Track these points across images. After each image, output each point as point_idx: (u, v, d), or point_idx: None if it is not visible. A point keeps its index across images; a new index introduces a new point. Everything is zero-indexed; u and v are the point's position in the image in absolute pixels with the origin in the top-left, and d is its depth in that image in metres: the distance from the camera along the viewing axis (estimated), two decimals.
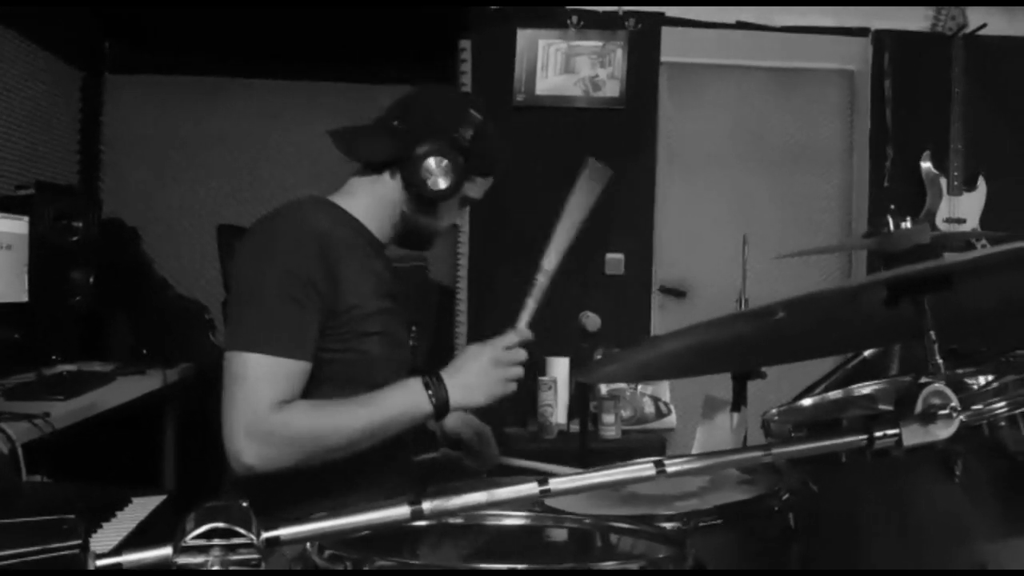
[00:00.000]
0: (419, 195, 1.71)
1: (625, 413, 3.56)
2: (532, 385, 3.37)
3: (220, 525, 0.60)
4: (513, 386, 1.66)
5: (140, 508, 1.86)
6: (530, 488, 0.67)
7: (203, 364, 3.29)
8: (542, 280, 1.73)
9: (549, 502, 1.32)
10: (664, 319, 3.99)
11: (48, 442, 2.23)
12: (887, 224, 0.96)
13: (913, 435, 0.80)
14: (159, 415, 3.37)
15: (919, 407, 0.80)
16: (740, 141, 4.10)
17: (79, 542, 0.54)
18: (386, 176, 1.74)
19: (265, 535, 0.62)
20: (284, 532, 0.63)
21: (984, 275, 1.08)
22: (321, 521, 0.67)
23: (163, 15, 3.70)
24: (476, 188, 1.79)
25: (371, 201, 1.75)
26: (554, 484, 0.68)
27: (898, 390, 0.86)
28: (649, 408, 3.62)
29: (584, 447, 2.44)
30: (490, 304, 3.85)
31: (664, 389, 3.69)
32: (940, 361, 0.85)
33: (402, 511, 0.67)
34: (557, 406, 3.48)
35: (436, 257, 3.78)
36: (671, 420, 3.62)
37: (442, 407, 1.59)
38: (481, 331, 3.84)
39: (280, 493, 1.52)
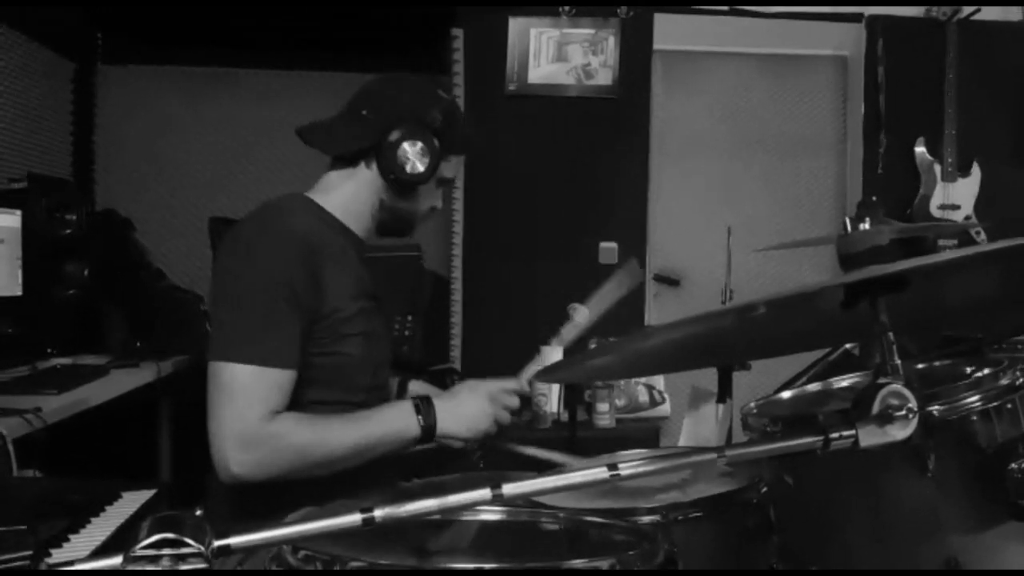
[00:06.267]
0: (397, 181, 1.71)
1: (619, 402, 3.56)
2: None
3: (169, 535, 0.61)
4: (496, 427, 1.70)
5: (130, 503, 1.87)
6: (482, 494, 0.68)
7: (198, 356, 3.29)
8: (555, 345, 1.78)
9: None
10: (659, 308, 4.00)
11: (41, 436, 2.25)
12: (845, 225, 0.97)
13: (870, 436, 0.80)
14: (154, 408, 3.38)
15: (876, 408, 0.81)
16: (733, 128, 4.09)
17: (29, 553, 0.55)
18: (361, 167, 1.74)
19: (216, 543, 0.63)
20: (235, 541, 0.64)
21: (967, 270, 1.08)
22: (274, 530, 0.68)
23: (155, 5, 3.69)
24: (450, 167, 1.79)
25: (348, 195, 1.75)
26: (507, 489, 0.69)
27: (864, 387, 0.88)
28: (643, 396, 3.63)
29: (574, 437, 2.46)
30: (484, 292, 3.86)
31: (658, 377, 3.69)
32: (898, 362, 0.86)
33: (354, 518, 0.68)
34: (551, 395, 3.48)
35: (430, 246, 3.78)
36: (665, 408, 3.63)
37: (429, 431, 1.63)
38: (475, 320, 3.86)
39: (268, 493, 1.53)
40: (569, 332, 1.80)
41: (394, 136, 1.68)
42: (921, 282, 0.99)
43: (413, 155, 1.69)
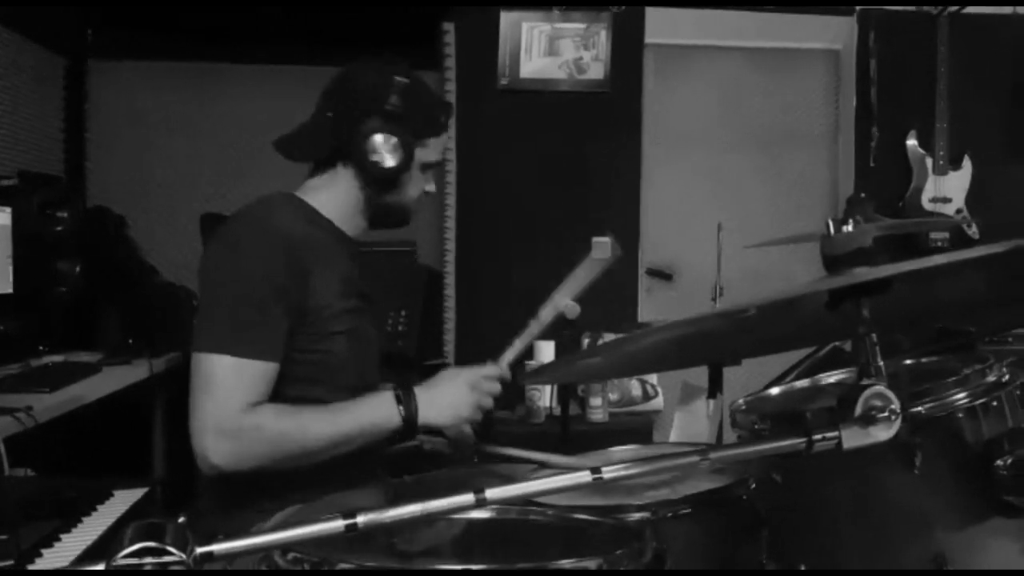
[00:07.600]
0: (374, 177, 1.69)
1: (613, 396, 3.57)
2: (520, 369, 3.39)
3: (151, 544, 0.61)
4: (480, 413, 1.69)
5: (121, 502, 1.87)
6: (465, 499, 0.69)
7: (190, 353, 3.28)
8: (534, 328, 1.75)
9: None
10: (651, 302, 4.00)
11: (33, 435, 2.25)
12: (828, 226, 0.98)
13: (853, 437, 0.81)
14: (147, 405, 3.37)
15: (859, 409, 0.81)
16: (725, 122, 4.09)
17: (11, 562, 0.55)
18: (339, 168, 1.73)
19: (198, 551, 0.63)
20: (218, 548, 0.65)
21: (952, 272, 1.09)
22: (257, 536, 0.68)
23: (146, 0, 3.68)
24: (430, 151, 1.74)
25: (334, 196, 1.74)
26: (490, 493, 0.69)
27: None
28: (636, 391, 3.64)
29: (566, 433, 2.45)
30: (477, 287, 3.86)
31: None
32: (881, 363, 0.86)
33: (336, 525, 0.68)
34: (544, 390, 3.49)
35: (424, 240, 3.79)
36: (658, 402, 3.63)
37: (411, 422, 1.61)
38: (469, 314, 3.87)
39: (254, 486, 1.54)
40: (547, 315, 1.77)
41: (360, 132, 1.66)
42: (905, 283, 1.00)
43: (383, 148, 1.66)
